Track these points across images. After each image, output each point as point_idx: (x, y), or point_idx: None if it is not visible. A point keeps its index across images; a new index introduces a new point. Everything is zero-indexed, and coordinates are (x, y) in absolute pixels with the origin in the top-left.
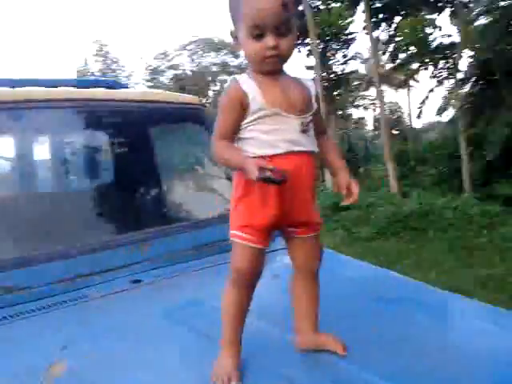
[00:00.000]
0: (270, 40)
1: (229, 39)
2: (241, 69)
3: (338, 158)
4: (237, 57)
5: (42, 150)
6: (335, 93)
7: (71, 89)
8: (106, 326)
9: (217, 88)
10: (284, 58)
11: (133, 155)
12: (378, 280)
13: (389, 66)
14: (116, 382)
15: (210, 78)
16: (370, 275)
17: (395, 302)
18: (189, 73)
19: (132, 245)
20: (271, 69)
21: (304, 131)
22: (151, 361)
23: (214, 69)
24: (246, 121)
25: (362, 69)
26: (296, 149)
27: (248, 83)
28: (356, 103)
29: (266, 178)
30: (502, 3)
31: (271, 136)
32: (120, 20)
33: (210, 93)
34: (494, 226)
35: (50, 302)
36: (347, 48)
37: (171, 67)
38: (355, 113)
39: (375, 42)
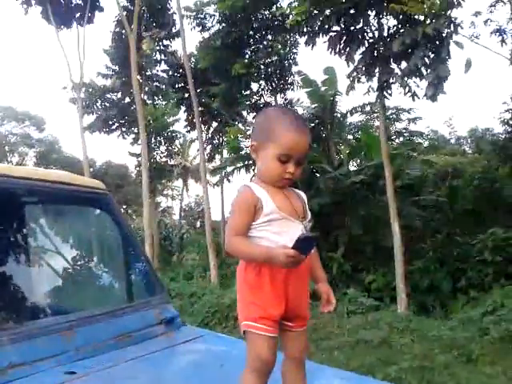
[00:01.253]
0: (291, 167)
1: (33, 111)
2: (43, 142)
3: (321, 268)
4: (42, 130)
5: None
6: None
7: None
8: None
9: (15, 159)
10: (294, 180)
11: (37, 238)
12: None
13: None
14: None
15: (7, 148)
16: None
17: None
18: None
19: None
20: (282, 187)
21: None
22: None
23: (13, 139)
24: (257, 222)
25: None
26: None
27: (259, 190)
28: (165, 192)
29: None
30: None
31: (281, 237)
32: None
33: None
34: None
35: None
36: (171, 142)
37: None
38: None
39: (202, 141)
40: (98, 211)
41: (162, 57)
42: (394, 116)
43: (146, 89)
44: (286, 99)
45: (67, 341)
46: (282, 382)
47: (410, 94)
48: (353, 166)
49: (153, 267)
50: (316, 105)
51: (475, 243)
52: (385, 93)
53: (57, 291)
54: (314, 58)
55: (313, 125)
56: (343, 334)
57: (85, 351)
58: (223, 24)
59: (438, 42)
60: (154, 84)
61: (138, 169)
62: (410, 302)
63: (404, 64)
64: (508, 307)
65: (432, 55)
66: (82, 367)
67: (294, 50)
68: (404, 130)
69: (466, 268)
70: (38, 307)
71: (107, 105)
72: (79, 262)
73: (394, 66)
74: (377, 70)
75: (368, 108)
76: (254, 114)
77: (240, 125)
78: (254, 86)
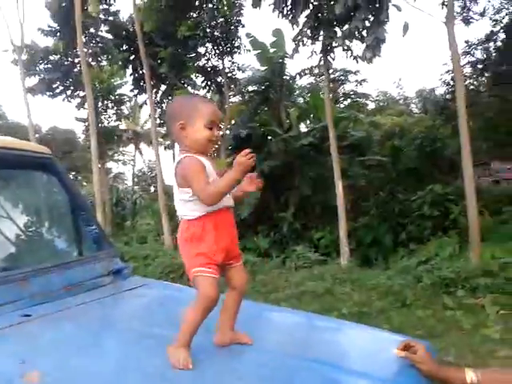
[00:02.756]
0: (216, 132)
1: None
2: None
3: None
4: None
5: None
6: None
7: None
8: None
9: None
10: (217, 143)
11: None
12: None
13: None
14: None
15: None
16: None
17: None
18: None
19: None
20: (211, 150)
21: None
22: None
23: None
24: None
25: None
26: (228, 204)
27: (200, 157)
28: (116, 158)
29: None
30: (250, 88)
31: None
32: None
33: None
34: (253, 273)
35: None
36: (119, 106)
37: None
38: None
39: (153, 105)
40: (44, 175)
41: (106, 17)
42: (342, 78)
43: (90, 50)
44: (233, 62)
45: (23, 289)
46: (222, 307)
47: (352, 56)
48: (302, 129)
49: (100, 225)
50: (265, 67)
51: (415, 199)
52: (328, 56)
53: (12, 248)
54: (263, 20)
55: (263, 88)
56: (290, 286)
57: (39, 298)
58: None
59: (377, 5)
60: (98, 45)
61: (85, 134)
62: (353, 255)
63: (346, 27)
64: (441, 257)
65: (372, 18)
66: (37, 311)
67: (240, 12)
68: (352, 92)
69: (406, 223)
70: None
71: (50, 66)
72: (31, 223)
73: (337, 29)
74: (321, 33)
75: (317, 70)
76: (203, 77)
77: (189, 87)
78: (202, 50)
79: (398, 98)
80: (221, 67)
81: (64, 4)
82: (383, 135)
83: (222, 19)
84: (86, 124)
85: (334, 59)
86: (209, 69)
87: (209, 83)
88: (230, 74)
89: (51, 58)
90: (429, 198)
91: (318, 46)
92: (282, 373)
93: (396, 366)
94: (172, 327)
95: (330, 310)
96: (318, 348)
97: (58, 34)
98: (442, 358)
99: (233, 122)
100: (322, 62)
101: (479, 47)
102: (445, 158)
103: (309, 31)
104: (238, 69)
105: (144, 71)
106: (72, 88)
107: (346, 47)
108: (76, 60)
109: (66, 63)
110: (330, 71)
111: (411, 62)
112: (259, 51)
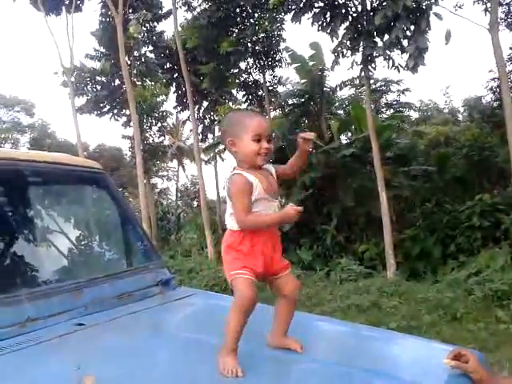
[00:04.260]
0: (264, 143)
1: (22, 97)
2: (34, 128)
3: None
4: (31, 115)
5: None
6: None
7: None
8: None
9: (8, 146)
10: (269, 155)
11: (44, 215)
12: None
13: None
14: None
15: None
16: None
17: None
18: None
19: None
20: (261, 163)
21: None
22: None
23: (3, 126)
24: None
25: (166, 141)
26: None
27: (249, 175)
28: (160, 174)
29: None
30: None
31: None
32: None
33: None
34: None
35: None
36: (163, 122)
37: None
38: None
39: (195, 121)
40: (96, 189)
41: (150, 38)
42: (384, 88)
43: (135, 70)
44: (274, 76)
45: (76, 299)
46: (273, 313)
47: (393, 66)
48: (343, 140)
49: (148, 237)
50: (304, 80)
51: (464, 210)
52: (369, 66)
53: (66, 260)
54: (302, 35)
55: (302, 100)
56: (335, 300)
57: (92, 308)
58: (209, 3)
59: (418, 14)
60: (143, 65)
61: (131, 151)
62: (399, 268)
63: (387, 37)
64: (492, 268)
65: (412, 27)
66: (90, 320)
67: (281, 27)
68: (394, 102)
69: (455, 234)
70: (50, 273)
71: (98, 87)
72: (83, 235)
73: (377, 39)
74: (361, 44)
75: (357, 81)
76: (244, 92)
77: (230, 103)
78: (243, 65)
79: (443, 106)
80: (262, 81)
81: (108, 28)
82: (428, 144)
83: (263, 34)
84: (132, 141)
85: (375, 69)
86: (250, 83)
87: (250, 97)
88: (270, 88)
89: (98, 78)
90: (478, 208)
91: (359, 56)
92: (332, 381)
93: (446, 376)
94: (220, 335)
95: (377, 324)
96: (368, 357)
97: (104, 56)
98: (497, 372)
99: (273, 135)
100: (362, 73)
101: None
102: (493, 166)
103: (348, 42)
104: (279, 82)
105: (186, 88)
106: (118, 107)
107: (387, 57)
108: (122, 80)
109: (112, 84)
110: (371, 81)
111: (458, 71)
112: (298, 64)
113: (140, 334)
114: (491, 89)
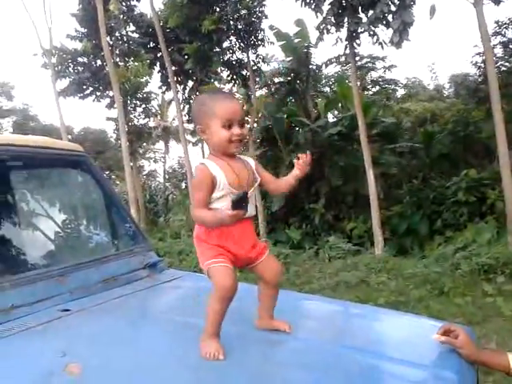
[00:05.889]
0: (236, 129)
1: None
2: (16, 111)
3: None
4: (11, 98)
5: None
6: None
7: None
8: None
9: None
10: (243, 141)
11: (27, 199)
12: None
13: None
14: None
15: None
16: None
17: None
18: None
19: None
20: (234, 151)
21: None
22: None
23: None
24: (214, 195)
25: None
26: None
27: (214, 167)
28: (147, 156)
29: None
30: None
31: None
32: None
33: None
34: (287, 265)
35: None
36: (147, 103)
37: None
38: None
39: (178, 102)
40: (79, 172)
41: (130, 17)
42: (369, 65)
43: (117, 51)
44: (257, 55)
45: (61, 285)
46: (258, 297)
47: (377, 42)
48: (330, 118)
49: (134, 220)
50: (290, 58)
51: (450, 186)
52: (354, 43)
53: (50, 245)
54: (285, 12)
55: (289, 79)
56: (324, 277)
57: (77, 293)
58: None
59: None
60: (125, 45)
61: (116, 133)
62: (387, 245)
63: (371, 13)
64: (478, 243)
65: (397, 1)
66: (76, 305)
67: (262, 3)
68: (380, 79)
69: (441, 210)
70: (34, 258)
71: (80, 68)
72: (67, 220)
73: (361, 15)
74: (345, 20)
75: (343, 59)
76: (228, 71)
77: (216, 82)
78: (226, 44)
79: (429, 83)
80: (245, 60)
81: (88, 8)
82: (414, 121)
83: (244, 11)
84: (117, 123)
85: (359, 45)
86: (234, 62)
87: (234, 77)
88: (255, 67)
89: (80, 59)
90: (464, 183)
91: (343, 33)
92: (321, 360)
93: (435, 351)
94: None
95: (365, 300)
96: (356, 335)
97: (85, 36)
98: (484, 344)
99: (259, 114)
100: (347, 50)
101: (510, 27)
102: (478, 141)
103: (333, 18)
104: (263, 61)
105: (168, 68)
106: (101, 88)
107: (371, 33)
108: (104, 61)
109: (94, 64)
110: (357, 58)
111: (443, 47)
112: (283, 42)
113: (126, 319)
114: (476, 64)
